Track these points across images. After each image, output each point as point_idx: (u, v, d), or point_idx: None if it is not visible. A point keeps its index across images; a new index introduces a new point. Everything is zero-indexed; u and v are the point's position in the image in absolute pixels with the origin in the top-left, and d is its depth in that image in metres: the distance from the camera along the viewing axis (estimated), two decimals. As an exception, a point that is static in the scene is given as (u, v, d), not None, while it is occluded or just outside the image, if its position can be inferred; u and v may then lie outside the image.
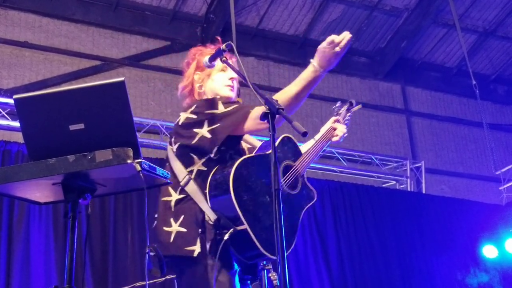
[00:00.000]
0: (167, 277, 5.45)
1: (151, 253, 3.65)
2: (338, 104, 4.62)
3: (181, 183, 3.69)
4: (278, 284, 4.82)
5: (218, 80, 3.99)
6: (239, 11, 10.67)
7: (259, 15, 11.14)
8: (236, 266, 3.65)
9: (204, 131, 3.70)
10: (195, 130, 3.73)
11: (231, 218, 3.55)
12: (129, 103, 2.78)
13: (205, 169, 3.69)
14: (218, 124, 3.68)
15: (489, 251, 10.12)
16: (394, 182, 11.29)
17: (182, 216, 3.65)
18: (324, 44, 3.66)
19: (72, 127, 2.77)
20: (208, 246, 3.56)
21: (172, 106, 10.48)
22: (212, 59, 3.78)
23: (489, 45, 12.37)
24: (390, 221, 10.18)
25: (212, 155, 3.69)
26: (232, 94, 3.99)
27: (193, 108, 3.83)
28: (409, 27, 11.56)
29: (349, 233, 9.84)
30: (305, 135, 3.17)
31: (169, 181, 3.11)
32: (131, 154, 2.75)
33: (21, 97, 2.84)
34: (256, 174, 3.68)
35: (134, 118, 2.87)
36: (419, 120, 12.57)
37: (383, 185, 11.22)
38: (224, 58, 3.71)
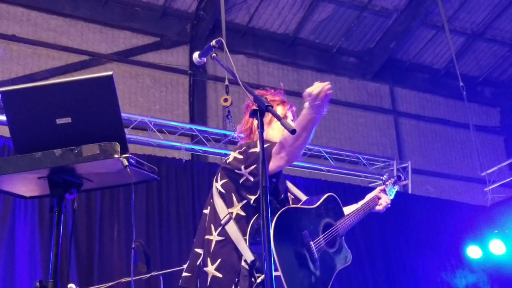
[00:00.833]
0: (153, 273, 5.45)
1: (138, 249, 3.63)
2: (386, 176, 4.79)
3: (222, 222, 3.66)
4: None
5: (279, 128, 3.86)
6: (229, 9, 10.66)
7: (249, 13, 11.14)
8: None
9: (245, 172, 3.65)
10: (239, 171, 3.67)
11: (268, 261, 3.50)
12: (117, 98, 2.77)
13: (244, 214, 3.65)
14: (255, 165, 3.61)
15: (473, 252, 10.16)
16: (380, 182, 11.29)
17: (219, 260, 3.61)
18: (305, 94, 3.67)
19: (59, 121, 2.75)
20: None
21: (160, 102, 10.47)
22: (202, 55, 3.77)
23: (477, 47, 12.42)
24: (375, 221, 10.18)
25: (251, 201, 3.62)
26: None
27: (243, 148, 3.75)
28: (398, 28, 11.59)
29: (335, 232, 9.84)
30: (293, 133, 3.17)
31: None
32: (118, 149, 2.73)
33: (7, 90, 2.82)
34: (297, 226, 3.70)
35: (122, 114, 2.85)
36: (406, 121, 12.61)
37: (370, 185, 11.22)
38: (213, 55, 3.69)
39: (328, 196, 4.07)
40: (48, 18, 10.12)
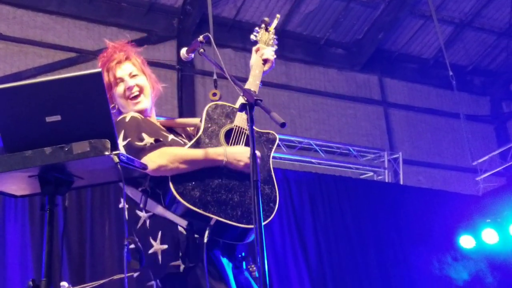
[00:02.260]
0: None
1: (130, 245, 3.62)
2: (255, 30, 4.20)
3: (141, 205, 3.50)
4: (257, 275, 4.82)
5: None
6: (216, 3, 10.64)
7: (236, 7, 11.12)
8: (226, 264, 3.51)
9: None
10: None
11: (200, 219, 3.37)
12: (106, 94, 2.76)
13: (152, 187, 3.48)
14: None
15: (466, 242, 10.19)
16: (371, 174, 11.33)
17: (160, 232, 3.46)
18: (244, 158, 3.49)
19: (49, 119, 2.74)
20: (191, 256, 3.37)
21: (149, 98, 10.44)
22: (189, 51, 3.75)
23: (465, 37, 12.45)
24: (367, 212, 10.22)
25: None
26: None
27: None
28: (386, 18, 11.59)
29: (327, 225, 9.86)
30: (283, 126, 3.15)
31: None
32: (109, 146, 2.72)
33: (-5, 89, 2.80)
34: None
35: (111, 111, 2.84)
36: (396, 112, 12.64)
37: (361, 177, 11.26)
38: (201, 50, 3.66)
39: (206, 110, 3.75)
40: (34, 15, 10.07)
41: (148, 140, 3.45)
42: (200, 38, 3.61)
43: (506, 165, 11.34)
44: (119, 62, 3.83)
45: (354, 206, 10.17)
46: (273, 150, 3.79)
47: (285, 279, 9.21)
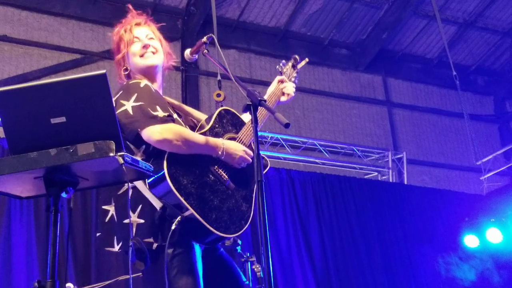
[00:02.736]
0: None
1: (135, 246, 3.63)
2: (283, 62, 4.37)
3: None
4: (262, 275, 4.83)
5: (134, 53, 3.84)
6: (220, 4, 10.65)
7: (240, 7, 11.12)
8: (198, 250, 3.50)
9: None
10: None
11: (176, 206, 3.39)
12: (110, 96, 2.77)
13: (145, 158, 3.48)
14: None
15: (470, 241, 10.18)
16: (376, 173, 11.33)
17: (140, 206, 3.49)
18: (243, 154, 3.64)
19: (54, 121, 2.75)
20: (164, 236, 3.41)
21: (153, 99, 10.45)
22: (194, 51, 3.77)
23: (469, 36, 12.44)
24: (372, 212, 10.22)
25: (150, 147, 3.48)
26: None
27: (118, 94, 3.61)
28: (389, 18, 11.59)
29: (332, 224, 9.87)
30: (287, 126, 3.16)
31: (151, 173, 3.05)
32: (114, 147, 2.73)
33: (1, 91, 2.81)
34: (193, 157, 3.49)
35: (116, 112, 2.85)
36: (400, 112, 12.63)
37: (365, 177, 11.25)
38: (205, 51, 3.68)
39: (219, 112, 3.80)
40: (39, 17, 10.09)
41: (161, 113, 3.47)
42: (204, 39, 3.63)
43: (510, 165, 11.34)
44: (138, 24, 3.93)
45: (358, 206, 10.17)
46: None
47: (290, 279, 9.21)
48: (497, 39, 12.61)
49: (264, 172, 3.37)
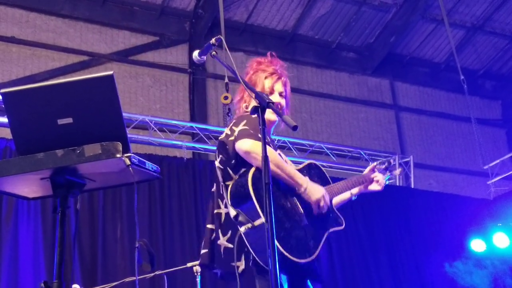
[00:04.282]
0: (157, 272, 5.44)
1: (141, 248, 3.62)
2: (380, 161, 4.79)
3: (227, 200, 3.74)
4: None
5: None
6: (227, 6, 10.65)
7: (248, 10, 11.12)
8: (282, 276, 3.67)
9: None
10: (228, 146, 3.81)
11: (250, 213, 3.58)
12: (118, 97, 2.76)
13: None
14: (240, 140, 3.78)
15: (477, 245, 10.13)
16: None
17: (230, 232, 3.69)
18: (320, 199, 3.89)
19: (61, 121, 2.75)
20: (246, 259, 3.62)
21: (160, 101, 10.46)
22: (202, 53, 3.77)
23: (477, 41, 12.41)
24: (378, 216, 10.20)
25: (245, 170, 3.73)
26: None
27: (232, 123, 3.90)
28: (397, 22, 11.57)
29: (338, 228, 9.84)
30: (295, 129, 3.18)
31: (158, 175, 3.08)
32: (120, 148, 2.73)
33: (8, 92, 2.81)
34: (277, 181, 3.73)
35: (123, 114, 2.85)
36: (407, 115, 12.60)
37: (372, 180, 11.21)
38: (213, 53, 3.68)
39: (310, 163, 4.13)
40: (47, 19, 10.10)
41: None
42: (213, 40, 3.63)
43: (517, 169, 11.29)
44: (280, 78, 4.16)
45: (365, 209, 10.15)
46: (333, 229, 4.10)
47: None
48: (505, 43, 12.57)
49: (334, 229, 3.93)
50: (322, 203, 3.84)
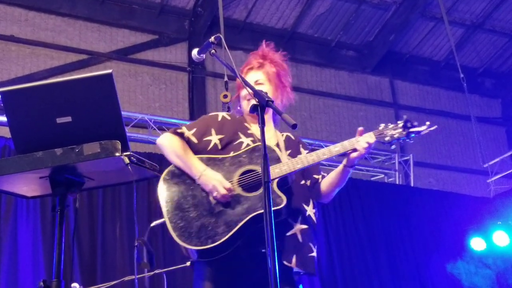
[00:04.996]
0: (157, 271, 5.43)
1: (140, 247, 3.62)
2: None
3: None
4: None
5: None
6: (227, 5, 10.64)
7: (247, 9, 11.12)
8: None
9: None
10: None
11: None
12: (117, 96, 2.76)
13: None
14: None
15: (476, 244, 10.14)
16: (382, 176, 11.30)
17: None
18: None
19: (60, 120, 2.75)
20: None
21: (160, 100, 10.46)
22: (201, 52, 3.77)
23: (476, 39, 12.40)
24: (378, 214, 10.20)
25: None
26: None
27: None
28: (397, 20, 11.57)
29: (338, 226, 9.85)
30: (294, 128, 3.16)
31: (158, 174, 3.08)
32: (119, 147, 2.73)
33: (7, 90, 2.81)
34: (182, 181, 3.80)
35: (122, 112, 2.84)
36: (407, 114, 12.44)
37: (372, 179, 11.23)
38: (212, 51, 3.68)
39: (255, 146, 3.84)
40: (46, 17, 10.10)
41: (186, 130, 3.87)
42: (212, 38, 3.63)
43: (517, 167, 11.29)
44: (251, 68, 4.15)
45: (365, 208, 10.15)
46: (259, 212, 3.73)
47: (296, 281, 9.18)
48: (505, 41, 12.57)
49: (273, 209, 3.33)
50: (214, 194, 3.65)
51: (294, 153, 4.01)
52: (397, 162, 11.22)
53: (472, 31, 12.22)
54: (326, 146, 10.62)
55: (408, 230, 10.31)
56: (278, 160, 3.78)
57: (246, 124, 4.01)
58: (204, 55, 3.78)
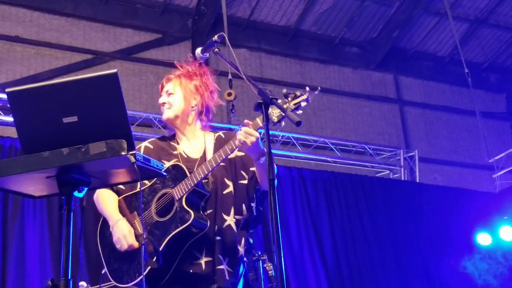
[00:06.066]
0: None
1: (147, 244, 3.64)
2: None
3: None
4: (273, 274, 4.83)
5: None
6: (230, 3, 10.65)
7: (251, 7, 11.12)
8: None
9: None
10: None
11: None
12: (122, 95, 2.77)
13: None
14: None
15: (483, 239, 10.13)
16: (387, 172, 11.30)
17: None
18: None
19: (66, 120, 2.76)
20: None
21: (164, 98, 10.46)
22: (205, 50, 3.78)
23: (481, 33, 12.38)
24: (384, 211, 10.19)
25: None
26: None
27: None
28: (400, 16, 11.55)
29: (343, 223, 9.85)
30: (298, 125, 3.18)
31: (163, 173, 3.08)
32: (125, 146, 2.73)
33: (14, 91, 2.82)
34: (124, 213, 4.12)
35: (127, 111, 2.86)
36: (412, 109, 12.59)
37: (377, 175, 11.23)
38: (216, 50, 3.69)
39: (167, 168, 3.86)
40: (50, 18, 10.12)
41: None
42: (215, 37, 3.64)
43: (523, 162, 11.27)
44: (168, 80, 4.45)
45: (370, 204, 10.15)
46: (178, 230, 3.81)
47: (302, 278, 9.20)
48: (510, 36, 12.54)
49: (179, 229, 3.72)
50: (118, 246, 3.92)
51: None
52: (402, 158, 11.22)
53: (476, 26, 12.20)
54: (331, 142, 10.70)
55: (414, 226, 10.30)
56: (184, 175, 3.87)
57: (172, 144, 4.14)
58: (208, 54, 3.79)
